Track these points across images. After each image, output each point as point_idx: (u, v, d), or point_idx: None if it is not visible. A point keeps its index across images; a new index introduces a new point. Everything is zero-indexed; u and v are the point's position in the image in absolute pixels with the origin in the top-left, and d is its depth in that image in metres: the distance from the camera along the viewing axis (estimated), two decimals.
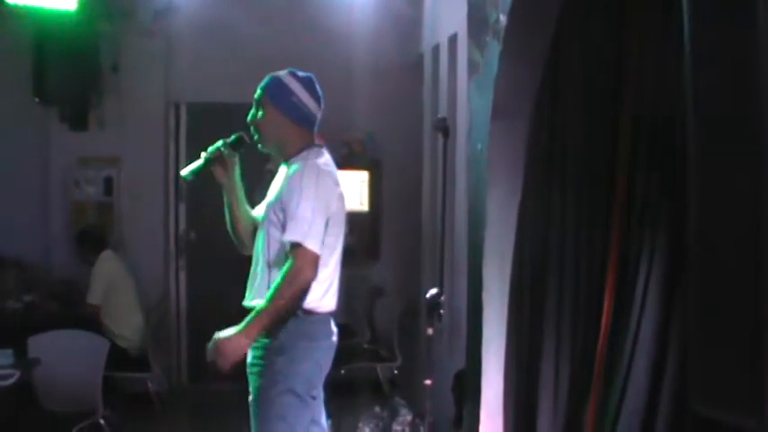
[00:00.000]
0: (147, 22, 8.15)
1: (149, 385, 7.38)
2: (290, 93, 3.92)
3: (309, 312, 3.78)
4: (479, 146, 5.18)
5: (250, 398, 3.89)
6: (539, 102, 4.71)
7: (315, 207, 3.69)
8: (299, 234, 3.65)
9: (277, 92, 3.93)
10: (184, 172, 4.05)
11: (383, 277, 8.42)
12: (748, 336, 2.43)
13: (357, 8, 7.87)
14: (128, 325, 7.20)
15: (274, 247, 3.80)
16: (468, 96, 5.60)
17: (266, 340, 3.77)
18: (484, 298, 4.98)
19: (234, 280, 8.42)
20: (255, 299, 3.84)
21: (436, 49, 7.04)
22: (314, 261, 3.67)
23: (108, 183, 8.41)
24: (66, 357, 5.71)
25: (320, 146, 3.94)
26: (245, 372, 3.98)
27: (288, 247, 3.69)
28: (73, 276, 7.76)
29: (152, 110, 8.38)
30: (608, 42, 4.21)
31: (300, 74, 3.99)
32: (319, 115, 3.96)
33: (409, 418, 6.32)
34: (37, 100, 7.97)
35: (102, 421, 5.78)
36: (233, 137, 3.99)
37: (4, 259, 7.75)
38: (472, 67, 5.50)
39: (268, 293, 3.70)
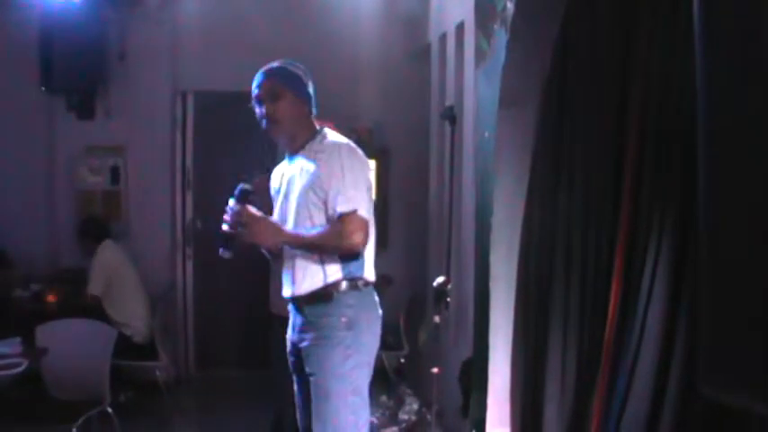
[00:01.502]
0: (153, 11, 8.14)
1: (157, 373, 7.40)
2: (304, 82, 3.99)
3: (368, 284, 3.89)
4: (486, 134, 5.17)
5: (312, 378, 3.85)
6: (546, 89, 4.70)
7: (360, 180, 3.78)
8: (352, 204, 3.73)
9: (293, 81, 3.98)
10: (223, 254, 4.01)
11: (391, 266, 8.41)
12: (758, 320, 2.43)
13: None
14: (131, 313, 7.20)
15: None
16: (476, 85, 5.59)
17: (331, 318, 3.81)
18: (491, 286, 4.97)
19: (240, 268, 8.47)
20: (306, 285, 3.87)
21: (443, 37, 7.02)
22: (366, 227, 3.76)
23: (114, 171, 8.42)
24: (73, 346, 5.72)
25: (323, 128, 4.02)
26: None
27: (337, 217, 3.75)
28: (80, 265, 7.77)
29: (159, 98, 8.38)
30: (616, 29, 4.20)
31: (296, 62, 4.11)
32: None
33: (416, 406, 6.33)
34: (43, 89, 7.99)
35: (110, 409, 5.79)
36: (237, 193, 3.96)
37: (11, 248, 7.76)
38: (479, 55, 5.49)
39: (318, 229, 3.79)
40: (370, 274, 3.90)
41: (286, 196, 3.98)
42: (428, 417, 5.90)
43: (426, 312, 7.10)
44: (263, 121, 3.99)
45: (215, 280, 8.53)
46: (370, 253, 3.91)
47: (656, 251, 3.71)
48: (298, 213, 3.87)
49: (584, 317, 4.36)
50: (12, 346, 5.37)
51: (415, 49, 8.00)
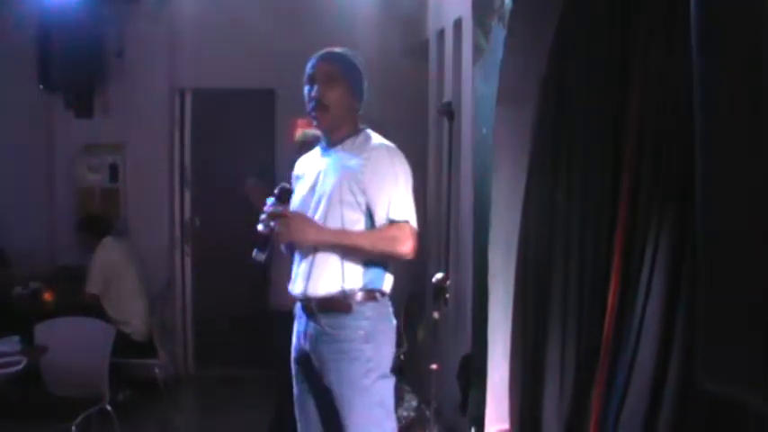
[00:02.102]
0: (151, 8, 8.14)
1: (156, 371, 7.40)
2: (360, 72, 3.82)
3: (384, 294, 3.76)
4: (484, 130, 5.17)
5: (334, 391, 3.68)
6: (544, 86, 4.70)
7: (410, 189, 3.68)
8: (406, 213, 3.63)
9: (353, 72, 3.80)
10: (257, 256, 3.78)
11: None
12: (756, 313, 2.43)
13: None
14: (130, 311, 7.19)
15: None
16: (473, 81, 5.59)
17: (347, 331, 3.65)
18: (490, 282, 4.98)
19: (239, 266, 8.47)
20: (325, 288, 3.69)
21: (441, 33, 7.02)
22: (417, 239, 3.64)
23: (113, 169, 8.42)
24: (72, 344, 5.71)
25: (365, 128, 3.86)
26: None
27: (389, 223, 3.62)
28: (79, 263, 7.77)
29: (157, 96, 8.37)
30: (614, 27, 4.20)
31: (356, 53, 3.90)
32: None
33: (415, 403, 6.32)
34: (42, 87, 7.98)
35: (109, 407, 5.79)
36: (277, 192, 3.74)
37: (9, 247, 7.76)
38: (477, 51, 5.49)
39: (366, 232, 3.63)
40: (388, 285, 3.77)
41: (312, 188, 3.77)
42: (427, 413, 5.90)
43: (425, 309, 7.09)
44: (311, 104, 3.75)
45: (213, 278, 8.53)
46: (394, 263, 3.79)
47: (655, 247, 3.71)
48: (328, 209, 3.67)
49: (582, 313, 4.37)
50: (11, 344, 5.36)
51: (413, 46, 7.99)
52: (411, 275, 8.04)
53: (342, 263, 3.66)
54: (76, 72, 7.98)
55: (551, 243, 4.54)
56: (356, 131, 3.80)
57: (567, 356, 4.43)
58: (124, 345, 6.60)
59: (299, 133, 5.75)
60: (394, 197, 3.62)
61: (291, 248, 3.92)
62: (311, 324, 3.77)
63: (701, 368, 2.75)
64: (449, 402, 5.84)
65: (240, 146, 8.55)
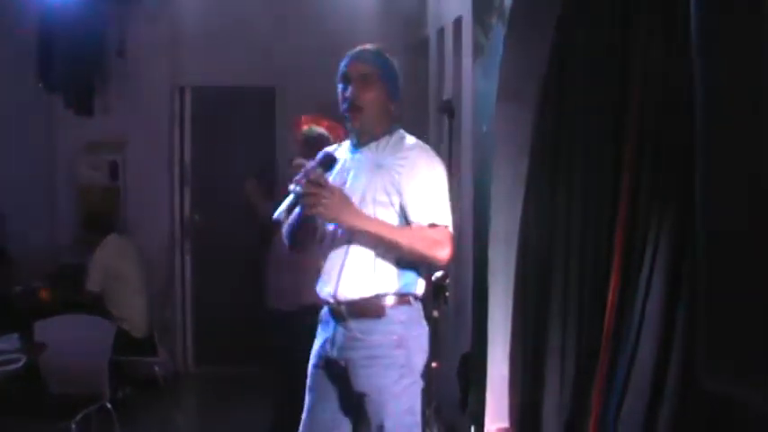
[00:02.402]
0: (152, 6, 8.14)
1: (156, 369, 7.40)
2: (396, 74, 3.69)
3: (417, 298, 3.64)
4: (485, 128, 5.17)
5: (366, 398, 3.56)
6: (544, 84, 4.70)
7: (446, 191, 3.56)
8: (445, 218, 3.50)
9: (388, 70, 3.67)
10: (277, 213, 3.50)
11: None
12: (756, 312, 2.43)
13: None
14: (130, 308, 7.20)
15: None
16: (473, 79, 5.59)
17: (379, 336, 3.53)
18: (489, 281, 4.98)
19: (239, 263, 8.45)
20: (358, 292, 3.54)
21: (441, 32, 7.02)
22: (453, 245, 3.51)
23: (113, 167, 8.43)
24: (72, 342, 5.71)
25: (399, 127, 3.74)
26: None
27: (427, 225, 3.49)
28: (79, 261, 7.77)
29: (157, 94, 8.38)
30: (614, 24, 4.19)
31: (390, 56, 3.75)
32: None
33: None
34: (42, 85, 7.98)
35: (109, 405, 5.79)
36: (321, 157, 3.61)
37: (10, 244, 7.76)
38: (477, 49, 5.49)
39: (406, 229, 3.49)
40: (421, 288, 3.65)
41: (341, 187, 3.57)
42: (426, 411, 5.90)
43: (425, 307, 7.09)
44: (344, 104, 3.62)
45: (214, 275, 8.54)
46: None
47: (655, 246, 3.71)
48: (360, 208, 3.52)
49: (582, 311, 4.36)
50: (10, 342, 5.36)
51: (413, 44, 7.99)
52: None
53: (375, 264, 3.53)
54: (77, 70, 7.99)
55: (551, 241, 4.53)
56: (390, 132, 3.67)
57: (567, 355, 4.43)
58: (124, 342, 6.60)
59: (305, 128, 5.74)
60: (433, 200, 3.51)
61: (321, 234, 3.72)
62: (340, 330, 3.61)
63: (701, 367, 2.75)
64: (449, 400, 5.84)
65: (240, 144, 8.55)
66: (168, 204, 8.54)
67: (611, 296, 4.07)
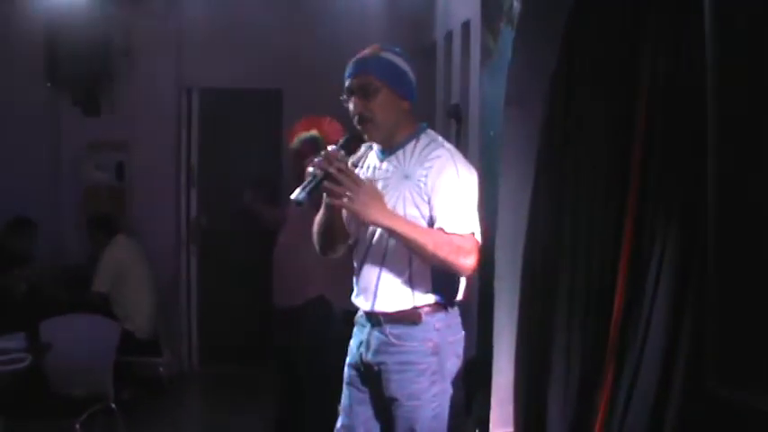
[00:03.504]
0: (159, 7, 8.15)
1: (160, 369, 7.40)
2: (402, 70, 3.55)
3: (455, 305, 3.61)
4: (492, 132, 5.16)
5: (397, 402, 3.54)
6: (552, 89, 4.69)
7: (474, 198, 3.50)
8: (472, 226, 3.44)
9: (390, 72, 3.52)
10: (298, 196, 3.29)
11: None
12: (766, 318, 2.43)
13: None
14: (136, 309, 7.21)
15: None
16: (481, 83, 5.58)
17: (415, 342, 3.50)
18: (495, 285, 4.96)
19: (245, 265, 8.45)
20: (395, 306, 3.51)
21: (449, 35, 7.01)
22: (479, 254, 3.46)
23: (120, 168, 8.44)
24: (77, 342, 5.72)
25: (427, 125, 3.66)
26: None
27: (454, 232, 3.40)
28: (85, 261, 7.78)
29: (164, 95, 8.39)
30: (624, 28, 4.18)
31: (396, 48, 3.64)
32: None
33: None
34: (49, 84, 7.99)
35: (113, 405, 5.79)
36: (344, 140, 3.48)
37: (15, 244, 7.76)
38: (485, 53, 5.48)
39: (433, 232, 3.39)
40: (458, 295, 3.62)
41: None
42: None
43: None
44: (354, 118, 3.52)
45: (219, 276, 8.54)
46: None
47: (662, 250, 3.70)
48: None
49: (588, 315, 4.35)
50: (16, 341, 5.37)
51: (421, 48, 7.99)
52: None
53: (412, 277, 3.48)
54: (84, 70, 8.01)
55: (558, 246, 4.52)
56: (415, 133, 3.57)
57: (573, 360, 4.41)
58: (128, 343, 6.60)
59: (294, 142, 5.62)
60: (460, 207, 3.42)
61: (353, 237, 3.66)
62: (375, 333, 3.58)
63: (713, 373, 2.74)
64: (453, 406, 5.83)
65: (247, 146, 8.55)
66: (174, 205, 8.55)
67: (617, 301, 4.07)
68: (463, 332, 3.68)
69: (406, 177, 3.48)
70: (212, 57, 8.22)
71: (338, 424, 3.75)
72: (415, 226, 3.39)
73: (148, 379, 7.40)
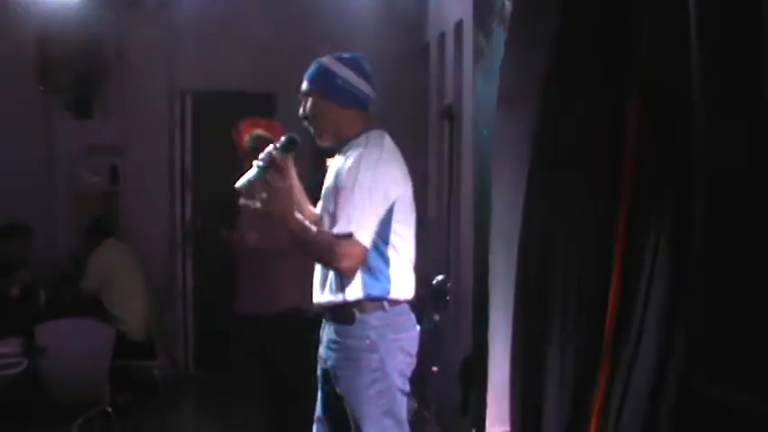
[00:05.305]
0: (151, 10, 8.15)
1: (155, 373, 7.40)
2: (334, 75, 3.69)
3: (395, 303, 3.65)
4: (485, 132, 5.17)
5: (345, 399, 3.63)
6: (545, 88, 4.70)
7: (370, 198, 3.51)
8: (352, 225, 3.47)
9: (321, 78, 3.71)
10: (239, 182, 3.53)
11: None
12: (756, 315, 2.44)
13: None
14: (128, 312, 7.19)
15: None
16: (474, 83, 5.60)
17: (354, 339, 3.59)
18: (490, 284, 4.98)
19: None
20: (327, 296, 3.66)
21: (442, 36, 7.03)
22: (361, 254, 3.50)
23: (113, 171, 8.44)
24: (72, 346, 5.72)
25: (380, 129, 3.75)
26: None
27: (333, 235, 3.52)
28: (78, 265, 7.76)
29: (157, 98, 8.39)
30: (616, 28, 4.20)
31: (345, 55, 3.80)
32: (372, 95, 3.75)
33: (414, 405, 6.32)
34: (41, 88, 7.99)
35: (109, 409, 5.79)
36: (284, 140, 3.61)
37: (11, 249, 7.75)
38: (478, 54, 5.49)
39: (316, 237, 3.55)
40: (400, 292, 3.66)
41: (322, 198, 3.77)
42: (427, 415, 5.91)
43: (425, 311, 7.09)
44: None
45: (214, 279, 8.53)
46: (404, 270, 3.68)
47: (655, 248, 3.71)
48: (321, 218, 3.71)
49: (583, 314, 4.36)
50: (12, 345, 5.37)
51: (414, 49, 8.00)
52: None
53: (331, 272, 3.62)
54: (76, 73, 8.00)
55: (552, 244, 4.53)
56: (358, 135, 3.69)
57: (568, 358, 4.42)
58: (122, 346, 6.59)
59: (247, 139, 5.59)
60: (347, 208, 3.50)
61: None
62: (326, 329, 3.74)
63: (701, 370, 2.76)
64: (449, 404, 5.84)
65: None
66: (169, 209, 8.55)
67: (611, 299, 4.08)
68: (415, 331, 3.74)
69: (333, 175, 3.67)
70: (205, 60, 8.22)
71: (315, 415, 3.87)
72: (303, 231, 3.53)
73: (143, 382, 7.39)
